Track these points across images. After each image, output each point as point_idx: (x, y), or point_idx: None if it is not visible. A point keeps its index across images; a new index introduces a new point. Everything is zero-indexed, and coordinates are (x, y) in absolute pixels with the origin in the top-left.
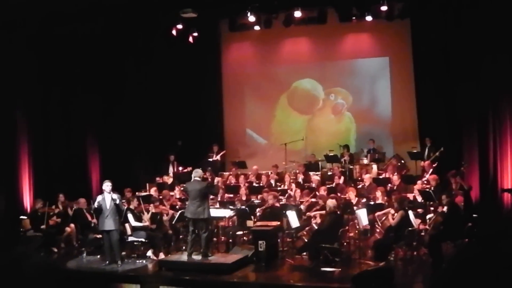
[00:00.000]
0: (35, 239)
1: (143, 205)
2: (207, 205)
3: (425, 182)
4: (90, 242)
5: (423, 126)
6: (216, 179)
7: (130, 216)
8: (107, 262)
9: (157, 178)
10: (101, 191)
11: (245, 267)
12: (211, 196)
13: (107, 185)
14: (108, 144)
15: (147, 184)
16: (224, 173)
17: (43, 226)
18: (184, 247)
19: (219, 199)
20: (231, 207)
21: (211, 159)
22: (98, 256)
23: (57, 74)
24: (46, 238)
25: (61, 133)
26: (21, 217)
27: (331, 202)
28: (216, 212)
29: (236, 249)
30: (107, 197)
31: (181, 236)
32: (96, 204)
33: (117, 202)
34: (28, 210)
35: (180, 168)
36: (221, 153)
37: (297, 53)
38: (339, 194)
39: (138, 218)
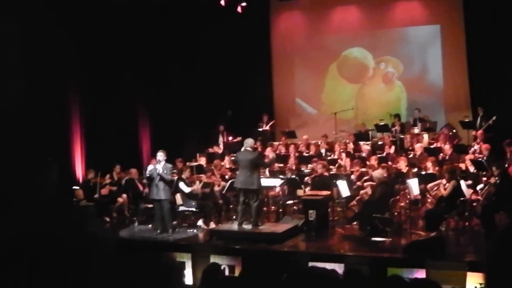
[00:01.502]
0: (88, 208)
1: (195, 176)
2: (257, 175)
3: (477, 151)
4: (141, 211)
5: (475, 94)
6: (268, 150)
7: (182, 184)
8: (159, 231)
9: (209, 149)
10: (151, 161)
11: (295, 237)
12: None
13: (159, 155)
14: (159, 115)
15: (197, 154)
16: (274, 143)
17: (96, 196)
18: (234, 217)
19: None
20: (281, 176)
21: (260, 129)
22: (150, 225)
23: (108, 46)
24: (99, 208)
25: (112, 105)
26: (74, 187)
27: (378, 173)
28: (266, 181)
29: (287, 218)
30: (158, 167)
31: (231, 206)
32: (147, 173)
33: (160, 172)
34: (81, 180)
35: (230, 138)
36: (271, 123)
37: (346, 21)
38: (389, 164)
39: (189, 187)
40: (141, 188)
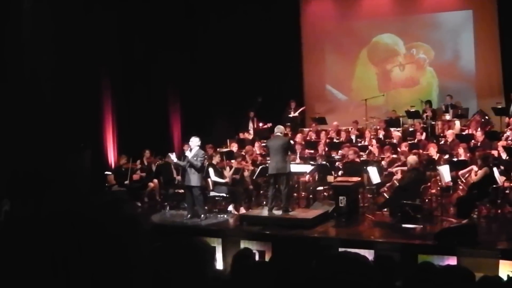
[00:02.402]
0: (120, 193)
1: (225, 162)
2: (288, 161)
3: (510, 138)
4: (171, 196)
5: (507, 80)
6: (298, 137)
7: (211, 171)
8: (189, 216)
9: (240, 135)
10: (182, 147)
11: (326, 223)
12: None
13: (192, 141)
14: (190, 100)
15: (228, 140)
16: (304, 129)
17: (127, 182)
18: (264, 202)
19: (298, 154)
20: (311, 162)
21: (290, 115)
22: (181, 210)
23: (138, 31)
24: (130, 192)
25: (143, 91)
26: (106, 172)
27: (412, 159)
28: (296, 167)
29: (317, 204)
30: (188, 154)
31: (262, 191)
32: (178, 159)
33: (189, 158)
34: (113, 166)
35: (260, 124)
36: (300, 110)
37: (377, 7)
38: (420, 151)
39: (220, 174)
40: (174, 174)
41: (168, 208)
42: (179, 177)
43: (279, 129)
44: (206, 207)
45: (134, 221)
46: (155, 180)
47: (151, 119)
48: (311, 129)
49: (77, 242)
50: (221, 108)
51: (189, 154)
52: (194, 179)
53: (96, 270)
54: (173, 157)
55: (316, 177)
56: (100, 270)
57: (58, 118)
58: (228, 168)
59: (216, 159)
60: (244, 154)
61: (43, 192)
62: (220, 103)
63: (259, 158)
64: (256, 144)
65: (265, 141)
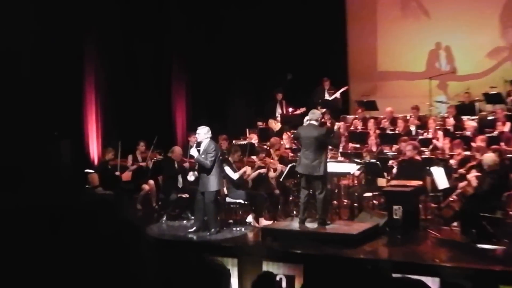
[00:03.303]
0: (106, 197)
1: (245, 158)
2: (324, 158)
3: None
4: (173, 202)
5: None
6: (337, 124)
7: (227, 169)
8: (195, 228)
9: (259, 123)
10: (187, 139)
11: (375, 240)
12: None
13: (198, 133)
14: (199, 78)
15: (247, 130)
16: (347, 116)
17: (115, 182)
18: (294, 212)
19: (341, 149)
20: (357, 160)
21: (329, 98)
22: (185, 221)
23: None
24: (118, 197)
25: (137, 66)
26: (87, 170)
27: (490, 157)
28: (337, 166)
29: (363, 215)
30: (193, 151)
31: (291, 198)
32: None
33: (196, 156)
34: (96, 162)
35: (290, 110)
36: (342, 90)
37: None
38: (503, 146)
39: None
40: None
41: (165, 217)
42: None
43: (313, 115)
44: (218, 218)
45: (133, 227)
46: (151, 182)
47: (147, 103)
48: (356, 116)
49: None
50: (240, 88)
51: (194, 152)
52: (210, 182)
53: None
54: (194, 151)
55: (363, 180)
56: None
57: (33, 100)
58: (247, 166)
59: (234, 157)
60: (268, 148)
61: (16, 187)
62: (238, 82)
63: (289, 153)
64: (285, 136)
65: (295, 131)
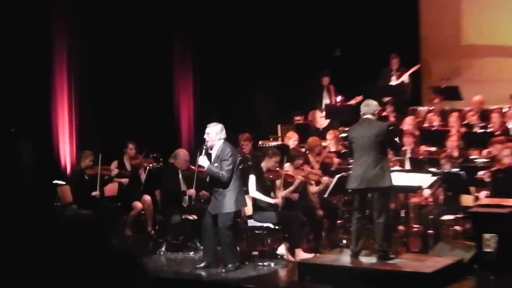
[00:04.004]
0: (80, 218)
1: (283, 170)
2: (386, 166)
3: None
4: (175, 227)
5: None
6: (407, 121)
7: (251, 183)
8: (205, 263)
9: (297, 117)
10: (194, 141)
11: (458, 282)
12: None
13: (208, 132)
14: (207, 64)
15: (279, 127)
16: (418, 108)
17: (94, 194)
18: (344, 241)
19: (409, 154)
20: (432, 169)
21: (392, 83)
22: (191, 253)
23: None
24: (99, 218)
25: (129, 50)
26: (56, 182)
27: None
28: (404, 178)
29: (441, 247)
30: (201, 160)
31: (339, 221)
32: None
33: (205, 167)
34: (68, 169)
35: (339, 99)
36: (412, 71)
37: None
38: None
39: (266, 188)
40: (183, 186)
41: (165, 247)
42: (191, 191)
43: (368, 108)
44: (237, 248)
45: (125, 257)
46: (146, 198)
47: (141, 93)
48: (431, 108)
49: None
50: (269, 68)
51: (203, 161)
52: (225, 200)
53: None
54: (203, 160)
55: (441, 197)
56: None
57: None
58: (279, 181)
59: (269, 164)
60: (306, 152)
61: None
62: (266, 61)
63: (336, 159)
64: (329, 135)
65: (346, 129)
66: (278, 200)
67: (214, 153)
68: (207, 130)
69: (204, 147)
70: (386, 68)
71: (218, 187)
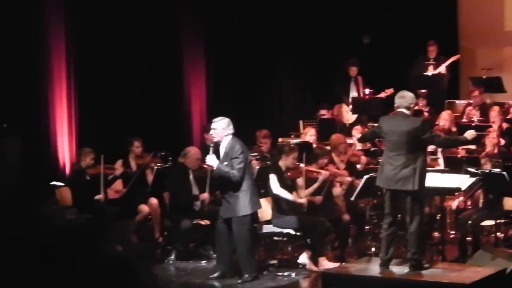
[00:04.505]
0: (80, 224)
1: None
2: (421, 165)
3: None
4: (186, 233)
5: None
6: (444, 116)
7: (273, 181)
8: (219, 273)
9: (322, 111)
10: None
11: None
12: (430, 148)
13: (214, 127)
14: (221, 53)
15: (300, 123)
16: (457, 101)
17: (98, 198)
18: (373, 249)
19: (440, 152)
20: (471, 169)
21: (429, 73)
22: (203, 262)
23: None
24: (102, 223)
25: (133, 36)
26: (54, 182)
27: None
28: (439, 179)
29: (482, 255)
30: (209, 159)
31: (367, 227)
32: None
33: (214, 167)
34: (67, 169)
35: (367, 91)
36: (451, 61)
37: None
38: None
39: (287, 189)
40: (195, 189)
41: (174, 255)
42: (204, 196)
43: (403, 100)
44: (255, 257)
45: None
46: (153, 201)
47: (148, 85)
48: (471, 101)
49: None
50: (288, 60)
51: (212, 160)
52: (239, 202)
53: None
54: (212, 159)
55: (481, 201)
56: None
57: None
58: (300, 180)
59: (287, 162)
60: (330, 150)
61: None
62: (285, 52)
63: (363, 158)
64: (356, 131)
65: (374, 124)
66: (303, 200)
67: (222, 150)
68: (213, 126)
69: (212, 145)
70: (422, 56)
71: (229, 189)
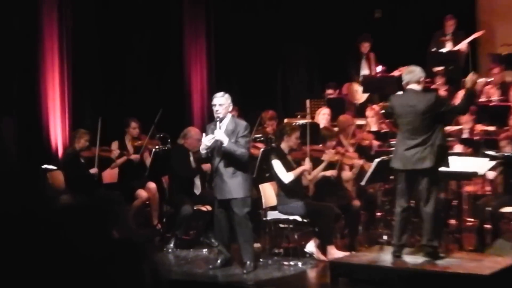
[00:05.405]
0: (73, 209)
1: (305, 147)
2: (439, 141)
3: None
4: (186, 220)
5: None
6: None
7: (277, 165)
8: (219, 261)
9: (329, 91)
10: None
11: None
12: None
13: (219, 104)
14: (227, 25)
15: (307, 102)
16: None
17: (93, 172)
18: (385, 236)
19: (465, 133)
20: (490, 152)
21: (443, 50)
22: (205, 251)
23: None
24: (98, 208)
25: (130, 10)
26: (46, 166)
27: None
28: (457, 163)
29: (502, 244)
30: (218, 133)
31: (379, 213)
32: (205, 143)
33: (224, 142)
34: (60, 153)
35: (379, 69)
36: (473, 37)
37: None
38: None
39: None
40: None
41: (173, 243)
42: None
43: (411, 75)
44: (258, 245)
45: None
46: (151, 185)
47: (145, 61)
48: (490, 79)
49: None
50: (295, 36)
51: (221, 134)
52: (234, 185)
53: None
54: (221, 134)
55: (501, 186)
56: None
57: None
58: (307, 160)
59: (290, 142)
60: (338, 132)
61: None
62: (292, 26)
63: (374, 142)
64: (369, 111)
65: (386, 104)
66: (309, 177)
67: (223, 127)
68: (218, 101)
69: (218, 120)
70: (438, 32)
71: (235, 168)
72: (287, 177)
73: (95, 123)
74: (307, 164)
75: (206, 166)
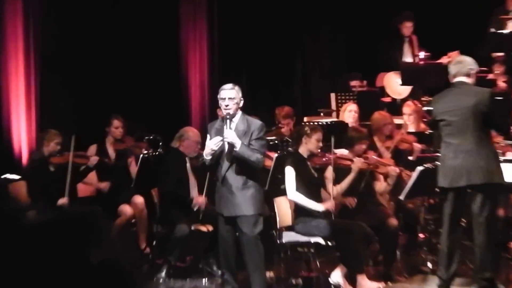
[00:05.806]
0: (39, 228)
1: (327, 154)
2: (494, 152)
3: None
4: (181, 242)
5: None
6: None
7: (289, 179)
8: None
9: (352, 82)
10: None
11: None
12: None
13: (230, 98)
14: (231, 6)
15: (332, 96)
16: None
17: (61, 204)
18: (430, 263)
19: None
20: None
21: (505, 31)
22: (204, 280)
23: None
24: (71, 228)
25: None
26: (7, 176)
27: None
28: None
29: None
30: (228, 133)
31: (421, 235)
32: (210, 149)
33: (236, 145)
34: (24, 158)
35: (422, 55)
36: None
37: None
38: None
39: (312, 185)
40: (194, 183)
41: (165, 272)
42: (199, 200)
43: (460, 66)
44: (270, 273)
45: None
46: (138, 199)
47: (133, 49)
48: None
49: None
50: (316, 16)
51: (231, 134)
52: (244, 199)
53: None
54: (232, 134)
55: None
56: None
57: None
58: (329, 168)
59: (310, 145)
60: (370, 133)
61: None
62: (312, 4)
63: (416, 145)
64: (407, 108)
65: (430, 98)
66: (329, 204)
67: (233, 126)
68: (227, 95)
69: (228, 117)
70: (499, 8)
71: (241, 177)
72: (293, 195)
73: (69, 122)
74: (329, 173)
75: (199, 200)
